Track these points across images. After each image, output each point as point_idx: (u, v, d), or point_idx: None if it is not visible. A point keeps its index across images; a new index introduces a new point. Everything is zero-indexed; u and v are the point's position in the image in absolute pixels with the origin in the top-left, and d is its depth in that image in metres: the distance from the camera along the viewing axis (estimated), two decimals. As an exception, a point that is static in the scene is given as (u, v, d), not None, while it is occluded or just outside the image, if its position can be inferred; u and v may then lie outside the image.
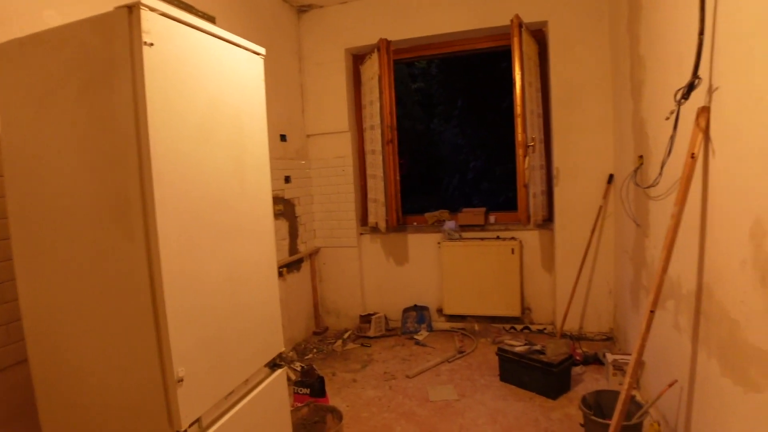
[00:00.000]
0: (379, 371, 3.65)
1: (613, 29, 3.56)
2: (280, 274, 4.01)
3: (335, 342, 4.31)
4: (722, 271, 1.72)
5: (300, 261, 4.37)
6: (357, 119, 4.49)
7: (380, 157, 4.07)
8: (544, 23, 3.85)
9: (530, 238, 4.12)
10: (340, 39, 4.33)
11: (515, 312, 4.14)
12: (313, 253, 4.57)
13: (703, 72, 1.83)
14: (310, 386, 2.80)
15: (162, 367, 1.46)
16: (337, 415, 2.59)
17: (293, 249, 4.24)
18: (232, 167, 1.78)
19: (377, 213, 4.20)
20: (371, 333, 4.37)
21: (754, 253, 1.48)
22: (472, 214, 4.25)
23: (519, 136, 3.57)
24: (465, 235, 4.27)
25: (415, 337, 4.26)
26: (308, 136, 4.51)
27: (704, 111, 1.82)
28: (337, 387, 3.43)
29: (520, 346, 3.25)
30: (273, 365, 2.08)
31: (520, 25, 3.55)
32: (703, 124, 1.82)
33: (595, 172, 3.80)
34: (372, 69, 4.06)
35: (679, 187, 1.89)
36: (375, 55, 4.02)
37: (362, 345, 4.22)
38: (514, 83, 3.53)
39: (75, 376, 1.60)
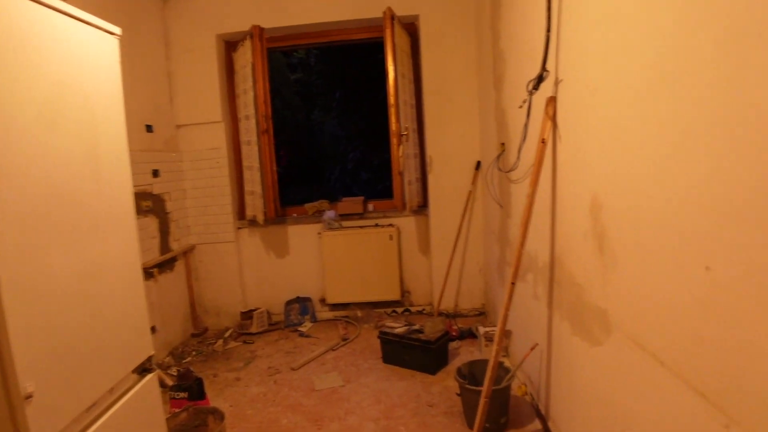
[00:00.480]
0: (263, 367, 3.57)
1: (478, 25, 3.82)
2: (151, 275, 3.73)
3: (216, 342, 4.12)
4: (570, 243, 1.95)
5: (173, 260, 4.10)
6: (231, 109, 4.30)
7: (256, 148, 3.95)
8: (416, 17, 4.01)
9: (407, 224, 4.29)
10: (211, 25, 4.10)
11: (396, 296, 4.29)
12: (188, 251, 4.31)
13: (550, 65, 2.04)
14: (187, 389, 2.65)
15: (5, 382, 1.29)
16: (219, 415, 2.48)
17: (165, 247, 3.96)
18: (84, 158, 1.61)
19: (255, 205, 4.08)
20: (254, 329, 4.25)
21: (592, 225, 1.69)
22: (351, 203, 4.31)
23: (393, 125, 3.68)
24: (345, 224, 4.32)
25: (299, 329, 4.23)
26: (178, 126, 4.23)
27: (552, 100, 2.03)
28: (219, 388, 3.29)
29: (400, 327, 3.38)
30: (142, 370, 1.94)
31: (393, 18, 3.66)
32: (551, 112, 2.03)
33: (465, 159, 4.06)
34: (245, 57, 3.92)
35: (532, 170, 2.10)
36: (248, 43, 3.88)
37: (245, 342, 4.09)
38: (387, 74, 3.64)
39: None
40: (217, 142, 4.23)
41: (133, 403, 1.83)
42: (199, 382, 2.69)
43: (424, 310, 4.38)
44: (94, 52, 1.71)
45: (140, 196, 3.63)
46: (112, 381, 1.73)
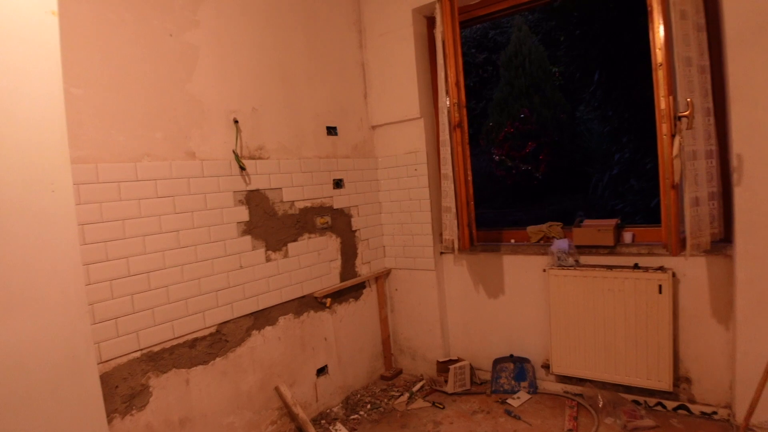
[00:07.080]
0: (440, 456, 2.54)
1: None
2: (325, 305, 3.11)
3: (400, 395, 3.27)
4: None
5: (360, 286, 3.42)
6: (434, 101, 3.40)
7: (450, 149, 2.93)
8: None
9: (692, 268, 2.61)
10: (407, -4, 3.28)
11: (664, 384, 2.65)
12: (381, 276, 3.58)
13: None
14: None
15: None
16: None
17: (348, 272, 3.30)
18: None
19: (451, 226, 3.06)
20: (449, 387, 3.24)
21: None
22: (593, 231, 2.85)
23: (661, 102, 2.12)
24: (585, 260, 2.91)
25: (509, 401, 3.02)
26: (373, 127, 3.55)
27: None
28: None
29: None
30: None
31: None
32: None
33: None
34: (440, 31, 2.95)
35: None
36: (438, 9, 2.90)
37: (434, 404, 3.11)
38: (650, 13, 2.10)
39: None
40: (416, 143, 3.37)
41: None
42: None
43: (714, 413, 2.61)
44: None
45: (315, 211, 3.04)
46: None
